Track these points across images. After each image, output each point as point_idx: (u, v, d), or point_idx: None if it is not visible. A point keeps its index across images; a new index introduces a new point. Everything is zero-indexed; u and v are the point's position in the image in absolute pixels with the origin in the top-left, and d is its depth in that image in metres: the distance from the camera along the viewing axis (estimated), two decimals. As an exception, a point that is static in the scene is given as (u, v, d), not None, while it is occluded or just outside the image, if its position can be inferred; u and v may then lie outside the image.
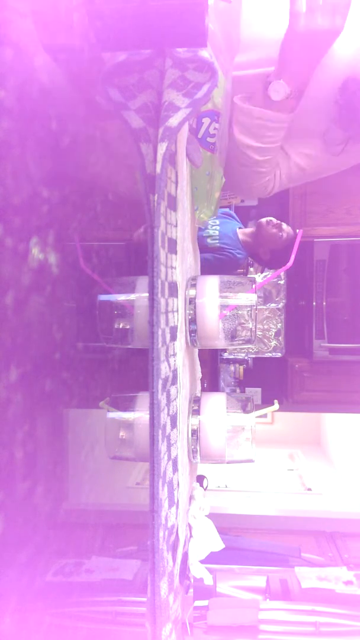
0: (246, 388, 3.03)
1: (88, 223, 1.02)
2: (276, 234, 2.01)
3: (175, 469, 0.68)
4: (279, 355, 3.01)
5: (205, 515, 0.85)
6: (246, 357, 3.07)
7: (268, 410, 0.87)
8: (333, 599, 1.66)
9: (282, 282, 2.97)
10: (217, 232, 1.98)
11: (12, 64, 0.69)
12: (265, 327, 3.01)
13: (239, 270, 2.71)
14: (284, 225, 2.04)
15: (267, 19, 0.96)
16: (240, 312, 0.79)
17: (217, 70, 0.59)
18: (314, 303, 2.74)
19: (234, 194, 1.93)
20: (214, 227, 1.99)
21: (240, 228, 2.09)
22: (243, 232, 2.07)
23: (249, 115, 0.97)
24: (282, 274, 2.90)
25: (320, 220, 2.73)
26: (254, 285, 0.79)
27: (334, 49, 0.93)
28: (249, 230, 2.09)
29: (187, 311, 0.78)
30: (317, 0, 0.84)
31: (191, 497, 0.87)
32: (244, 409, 0.82)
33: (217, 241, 1.97)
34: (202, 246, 1.89)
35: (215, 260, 1.93)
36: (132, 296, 0.81)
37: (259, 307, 2.93)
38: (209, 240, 1.96)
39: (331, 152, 1.07)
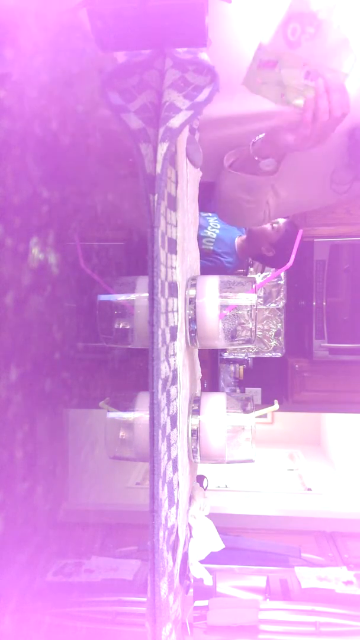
0: (246, 388, 3.03)
1: (88, 223, 1.02)
2: (265, 229, 1.97)
3: (175, 469, 0.68)
4: (279, 355, 3.01)
5: (205, 515, 0.85)
6: (246, 357, 3.07)
7: (268, 410, 0.87)
8: (333, 599, 1.66)
9: (282, 282, 2.97)
10: (214, 235, 1.95)
11: (12, 64, 0.69)
12: (265, 327, 3.01)
13: (239, 270, 2.70)
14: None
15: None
16: (240, 312, 0.79)
17: (218, 75, 0.59)
18: (314, 303, 2.74)
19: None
20: (213, 229, 1.97)
21: (240, 236, 2.06)
22: (240, 238, 2.04)
23: (240, 179, 1.04)
24: (282, 274, 2.90)
25: (320, 220, 2.73)
26: (254, 285, 0.79)
27: None
28: (243, 236, 2.06)
29: (187, 311, 0.78)
30: (316, 133, 0.90)
31: (191, 497, 0.87)
32: (244, 409, 0.82)
33: (211, 245, 1.94)
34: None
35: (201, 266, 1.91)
36: (132, 296, 0.81)
37: (259, 307, 2.93)
38: (204, 241, 1.93)
39: (336, 191, 1.12)
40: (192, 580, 0.86)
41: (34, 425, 0.80)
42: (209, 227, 1.95)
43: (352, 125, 1.01)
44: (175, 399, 0.69)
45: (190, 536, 0.82)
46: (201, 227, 1.88)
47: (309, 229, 2.71)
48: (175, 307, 0.70)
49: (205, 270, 1.88)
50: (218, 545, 0.82)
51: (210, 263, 1.92)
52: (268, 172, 1.01)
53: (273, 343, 3.02)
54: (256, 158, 0.99)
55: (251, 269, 2.79)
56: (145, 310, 0.79)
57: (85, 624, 1.13)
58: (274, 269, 2.27)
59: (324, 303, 2.71)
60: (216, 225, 1.96)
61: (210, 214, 1.93)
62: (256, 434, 0.80)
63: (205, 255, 1.89)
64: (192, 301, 0.78)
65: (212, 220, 1.95)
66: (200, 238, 1.92)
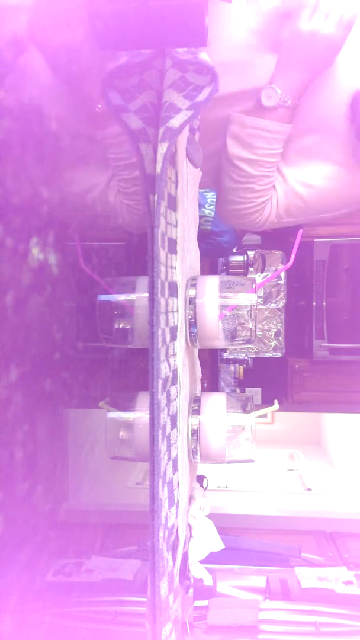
0: (246, 388, 3.02)
1: (88, 223, 1.02)
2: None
3: (175, 469, 0.68)
4: (279, 355, 3.00)
5: (205, 515, 0.85)
6: (246, 357, 3.06)
7: (268, 410, 0.87)
8: (333, 599, 1.66)
9: (282, 282, 2.97)
10: (212, 213, 1.91)
11: (12, 64, 0.69)
12: (265, 327, 3.00)
13: (239, 270, 2.70)
14: None
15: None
16: (240, 312, 0.79)
17: (217, 75, 0.60)
18: (314, 303, 2.73)
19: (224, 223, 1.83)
20: (211, 207, 1.91)
21: None
22: None
23: (242, 124, 0.97)
24: (282, 274, 2.90)
25: (320, 220, 2.72)
26: (254, 285, 0.79)
27: (344, 79, 0.95)
28: None
29: (187, 311, 0.78)
30: (324, 9, 0.88)
31: (191, 497, 0.87)
32: (244, 409, 0.82)
33: (209, 224, 1.90)
34: None
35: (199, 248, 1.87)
36: (132, 296, 0.81)
37: (259, 307, 2.93)
38: (201, 221, 1.88)
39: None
40: (192, 580, 0.86)
41: (34, 425, 0.80)
42: (206, 205, 1.90)
43: (354, 96, 0.96)
44: (175, 399, 0.69)
45: (190, 536, 0.82)
46: (199, 206, 1.84)
47: (309, 229, 2.70)
48: (175, 307, 0.70)
49: (204, 252, 1.85)
50: (218, 545, 0.82)
51: (208, 245, 1.91)
52: (275, 113, 0.94)
53: (273, 343, 3.02)
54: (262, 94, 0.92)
55: (251, 269, 2.79)
56: (145, 310, 0.79)
57: (85, 624, 1.13)
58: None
59: (324, 303, 2.71)
60: (214, 202, 1.93)
61: (207, 189, 1.89)
62: (256, 434, 0.80)
63: (202, 236, 1.84)
64: (192, 301, 0.78)
65: (210, 195, 1.88)
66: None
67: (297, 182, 1.04)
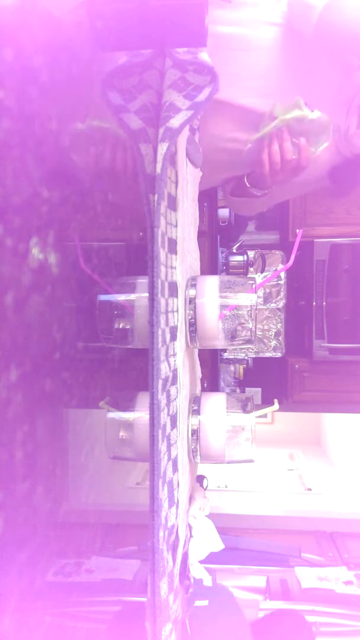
0: (246, 388, 3.02)
1: (88, 223, 1.02)
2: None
3: (175, 469, 0.68)
4: (279, 355, 3.00)
5: (205, 516, 0.85)
6: (246, 357, 3.06)
7: (268, 410, 0.87)
8: (333, 599, 1.66)
9: (282, 282, 2.97)
10: None
11: (12, 64, 0.69)
12: (265, 327, 3.00)
13: (239, 270, 2.70)
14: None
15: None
16: (240, 312, 0.79)
17: (217, 75, 0.60)
18: (314, 303, 2.73)
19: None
20: None
21: None
22: None
23: (238, 201, 1.22)
24: (282, 274, 2.90)
25: (320, 220, 2.72)
26: (254, 285, 0.79)
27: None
28: None
29: (187, 311, 0.78)
30: (277, 165, 1.02)
31: (191, 497, 0.87)
32: (244, 409, 0.82)
33: None
34: None
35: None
36: (132, 296, 0.81)
37: (259, 307, 2.93)
38: None
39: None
40: (192, 580, 0.86)
41: (34, 425, 0.80)
42: None
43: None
44: (175, 399, 0.69)
45: (190, 536, 0.82)
46: None
47: (309, 229, 2.70)
48: (175, 307, 0.70)
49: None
50: (218, 545, 0.82)
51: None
52: (259, 195, 1.17)
53: (273, 343, 3.02)
54: (248, 185, 1.16)
55: (251, 269, 2.79)
56: (145, 310, 0.79)
57: (85, 624, 1.13)
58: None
59: (324, 303, 2.71)
60: None
61: None
62: (256, 434, 0.80)
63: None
64: (192, 301, 0.78)
65: None
66: None
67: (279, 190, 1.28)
